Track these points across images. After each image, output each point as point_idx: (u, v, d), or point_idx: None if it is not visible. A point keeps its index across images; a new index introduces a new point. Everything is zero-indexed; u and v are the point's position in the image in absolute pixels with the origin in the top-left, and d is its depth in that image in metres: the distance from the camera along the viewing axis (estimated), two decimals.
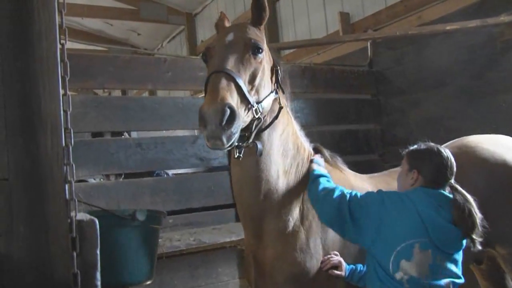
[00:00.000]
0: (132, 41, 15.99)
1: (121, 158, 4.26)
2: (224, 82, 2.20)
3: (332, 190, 2.62)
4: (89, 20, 13.98)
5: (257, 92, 2.41)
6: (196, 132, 5.94)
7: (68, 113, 1.54)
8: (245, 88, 2.27)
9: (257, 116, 2.36)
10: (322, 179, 2.71)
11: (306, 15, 8.97)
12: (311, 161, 2.84)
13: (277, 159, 2.65)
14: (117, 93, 15.59)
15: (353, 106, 5.89)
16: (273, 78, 2.63)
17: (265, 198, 2.62)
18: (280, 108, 2.61)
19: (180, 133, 5.88)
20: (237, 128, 2.16)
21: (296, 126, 2.88)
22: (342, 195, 2.60)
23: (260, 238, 2.69)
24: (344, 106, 5.83)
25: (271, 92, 2.55)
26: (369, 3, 7.39)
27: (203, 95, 2.42)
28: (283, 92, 2.71)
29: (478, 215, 2.44)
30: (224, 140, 2.13)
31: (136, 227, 3.19)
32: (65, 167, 1.51)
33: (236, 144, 2.32)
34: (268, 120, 2.58)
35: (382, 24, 7.02)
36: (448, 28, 4.94)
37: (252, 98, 2.33)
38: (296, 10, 9.29)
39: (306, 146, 2.92)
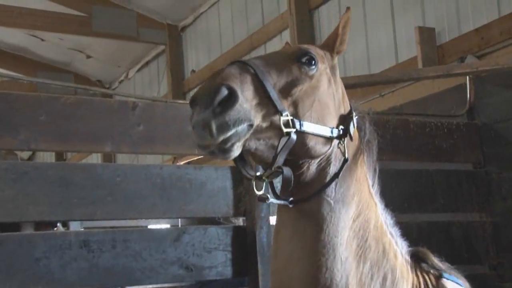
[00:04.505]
0: (78, 67, 16.22)
1: (52, 267, 4.24)
2: (234, 68, 2.60)
3: None
4: (4, 31, 14.15)
5: (295, 106, 2.76)
6: (180, 223, 5.92)
7: None
8: (271, 88, 2.64)
9: (286, 131, 2.64)
10: None
11: (362, 32, 9.12)
12: None
13: (346, 258, 2.82)
14: (49, 157, 15.64)
15: (442, 182, 5.93)
16: (339, 118, 2.96)
17: None
18: (345, 160, 2.88)
19: (154, 224, 5.87)
20: (236, 120, 2.44)
21: (383, 217, 3.11)
22: None
23: None
24: (428, 183, 5.87)
25: (328, 127, 2.85)
26: (469, 12, 7.47)
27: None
28: (351, 139, 2.99)
29: None
30: (214, 128, 2.39)
31: None
32: None
33: (257, 174, 2.70)
34: (324, 174, 2.87)
35: (492, 46, 7.11)
36: None
37: (281, 105, 2.66)
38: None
39: (399, 251, 3.10)
